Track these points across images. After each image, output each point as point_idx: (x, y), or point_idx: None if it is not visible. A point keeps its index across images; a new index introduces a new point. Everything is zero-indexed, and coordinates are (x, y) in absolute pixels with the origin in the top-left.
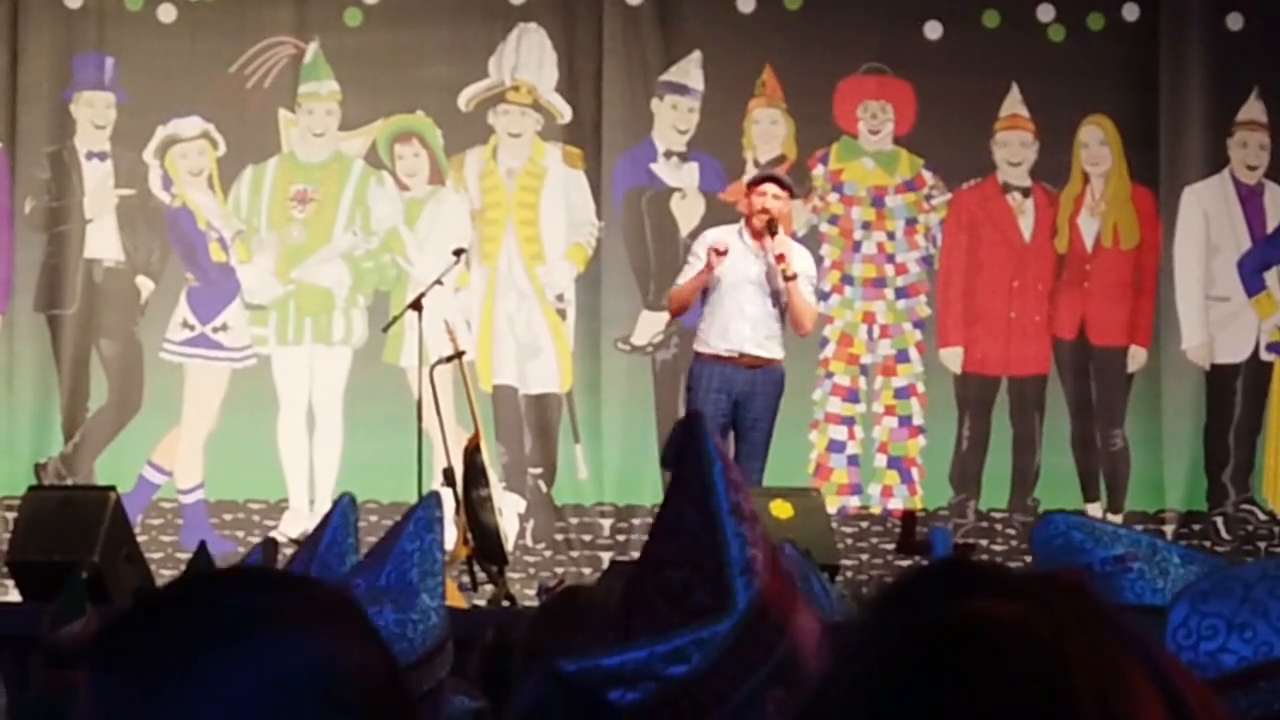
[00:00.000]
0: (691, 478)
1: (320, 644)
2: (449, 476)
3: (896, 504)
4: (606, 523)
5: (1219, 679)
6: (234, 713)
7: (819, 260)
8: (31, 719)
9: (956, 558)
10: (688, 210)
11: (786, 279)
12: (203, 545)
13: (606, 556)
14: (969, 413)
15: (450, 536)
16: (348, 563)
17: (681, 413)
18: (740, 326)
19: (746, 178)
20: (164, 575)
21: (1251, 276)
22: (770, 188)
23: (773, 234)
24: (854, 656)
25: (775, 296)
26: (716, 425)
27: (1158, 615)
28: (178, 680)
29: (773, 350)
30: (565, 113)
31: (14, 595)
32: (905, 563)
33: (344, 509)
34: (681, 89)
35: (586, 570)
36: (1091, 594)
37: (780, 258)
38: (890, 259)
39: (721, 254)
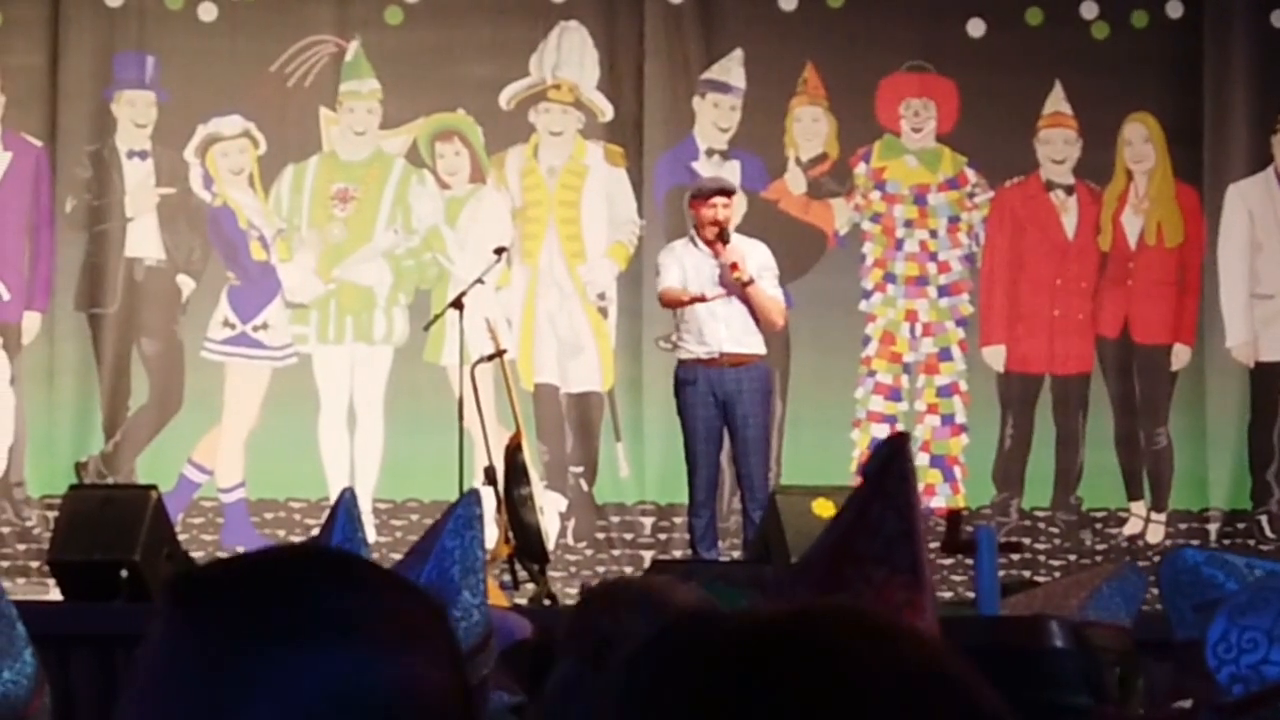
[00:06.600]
0: (896, 491)
1: (397, 667)
2: (490, 475)
3: (939, 503)
4: (648, 521)
5: (1263, 691)
6: (290, 713)
7: (860, 259)
8: None
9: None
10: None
11: (744, 285)
12: None
13: (648, 555)
14: (1012, 411)
15: (491, 535)
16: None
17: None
18: (715, 329)
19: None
20: None
21: None
22: (720, 199)
23: (725, 242)
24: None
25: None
26: (710, 428)
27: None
28: (245, 656)
29: (752, 345)
30: (607, 111)
31: (55, 594)
32: (949, 561)
33: (347, 505)
34: (723, 87)
35: (628, 569)
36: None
37: (734, 266)
38: (933, 257)
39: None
